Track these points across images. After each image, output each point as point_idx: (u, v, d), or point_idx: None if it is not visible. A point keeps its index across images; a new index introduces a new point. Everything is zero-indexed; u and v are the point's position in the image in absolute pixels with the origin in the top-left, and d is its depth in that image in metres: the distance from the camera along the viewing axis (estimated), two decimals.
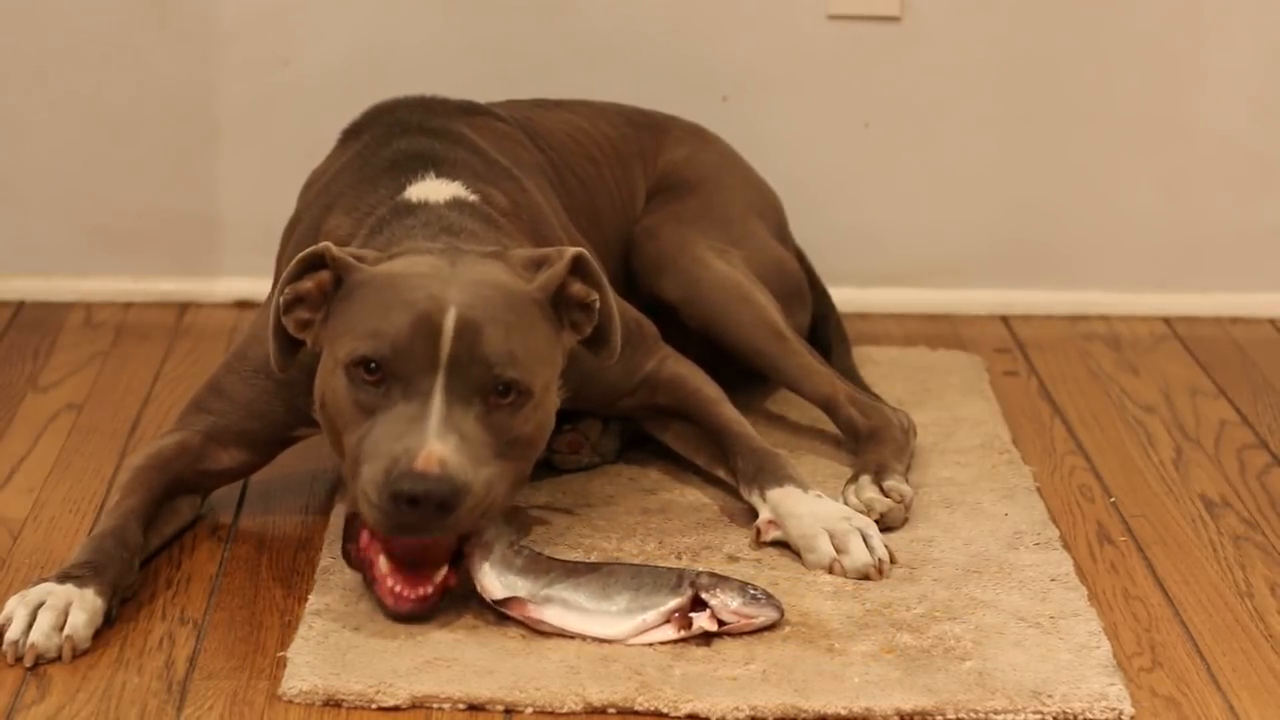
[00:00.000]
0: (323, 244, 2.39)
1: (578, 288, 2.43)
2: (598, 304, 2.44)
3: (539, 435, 2.41)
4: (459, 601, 2.38)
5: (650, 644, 2.31)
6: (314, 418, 2.55)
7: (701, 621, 2.32)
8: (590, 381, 2.64)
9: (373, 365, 2.32)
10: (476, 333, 2.32)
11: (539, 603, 2.33)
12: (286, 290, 2.39)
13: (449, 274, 2.36)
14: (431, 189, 2.59)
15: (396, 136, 2.70)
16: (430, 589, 2.34)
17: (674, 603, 2.32)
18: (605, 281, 2.45)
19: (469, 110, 2.85)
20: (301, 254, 2.39)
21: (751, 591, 2.34)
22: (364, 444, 2.32)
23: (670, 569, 2.38)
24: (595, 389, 2.67)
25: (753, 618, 2.33)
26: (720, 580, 2.35)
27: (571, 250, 2.43)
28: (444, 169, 2.62)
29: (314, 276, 2.39)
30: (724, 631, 2.33)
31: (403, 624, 2.34)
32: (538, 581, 2.34)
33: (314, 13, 3.40)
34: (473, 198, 2.59)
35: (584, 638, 2.32)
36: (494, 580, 2.34)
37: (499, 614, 2.35)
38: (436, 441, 2.28)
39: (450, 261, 2.39)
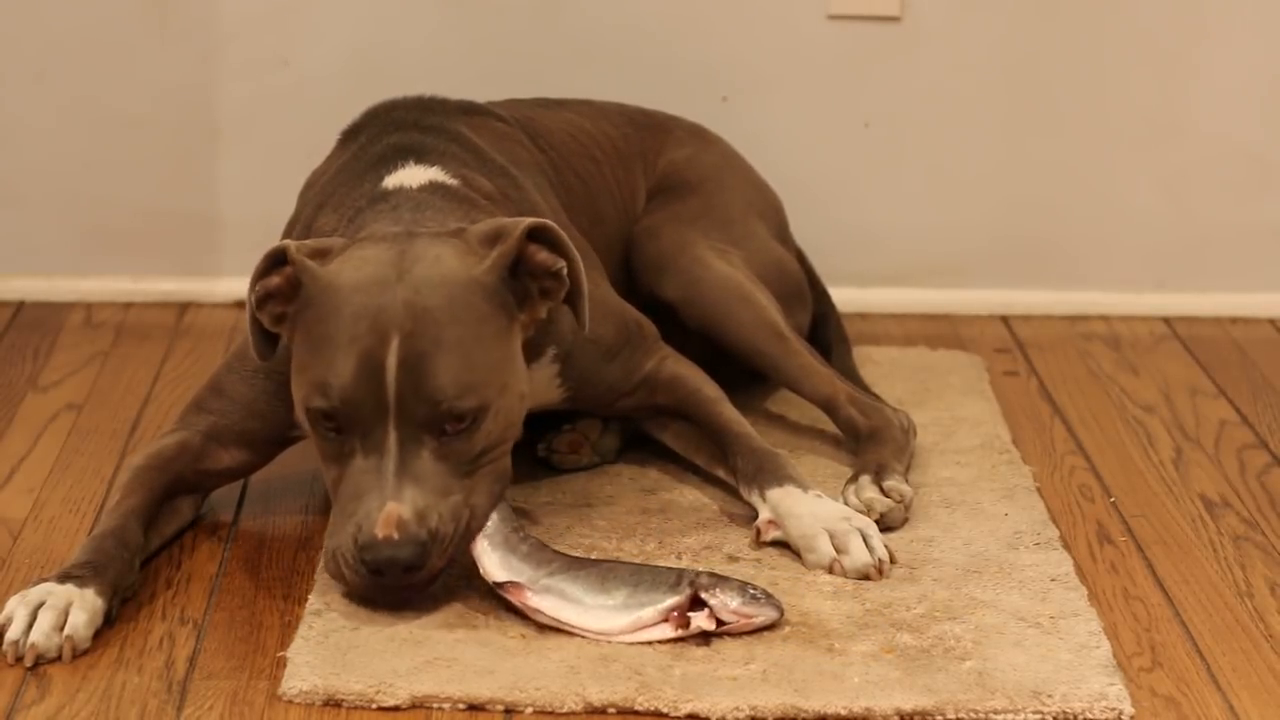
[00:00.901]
0: (283, 243, 2.41)
1: (543, 256, 2.41)
2: (565, 271, 2.42)
3: (508, 432, 2.41)
4: (459, 601, 2.39)
5: (649, 643, 2.31)
6: None
7: (700, 621, 2.32)
8: (589, 381, 2.64)
9: (327, 416, 2.34)
10: (420, 368, 2.32)
11: (537, 591, 2.33)
12: (257, 287, 2.40)
13: (393, 278, 2.35)
14: (408, 175, 2.60)
15: (389, 133, 2.71)
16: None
17: (672, 601, 2.32)
18: (572, 248, 2.42)
19: (468, 110, 2.86)
20: (267, 252, 2.40)
21: (751, 591, 2.34)
22: (338, 493, 2.36)
23: (670, 568, 2.38)
24: (594, 389, 2.67)
25: (752, 617, 2.33)
26: (720, 580, 2.35)
27: (526, 220, 2.41)
28: (426, 158, 2.63)
29: (280, 272, 2.40)
30: (723, 631, 2.33)
31: (410, 616, 2.34)
32: (538, 570, 2.35)
33: (314, 13, 3.40)
34: (452, 182, 2.59)
35: (579, 631, 2.32)
36: (495, 562, 2.34)
37: (498, 612, 2.35)
38: (392, 502, 2.30)
39: (399, 254, 2.37)
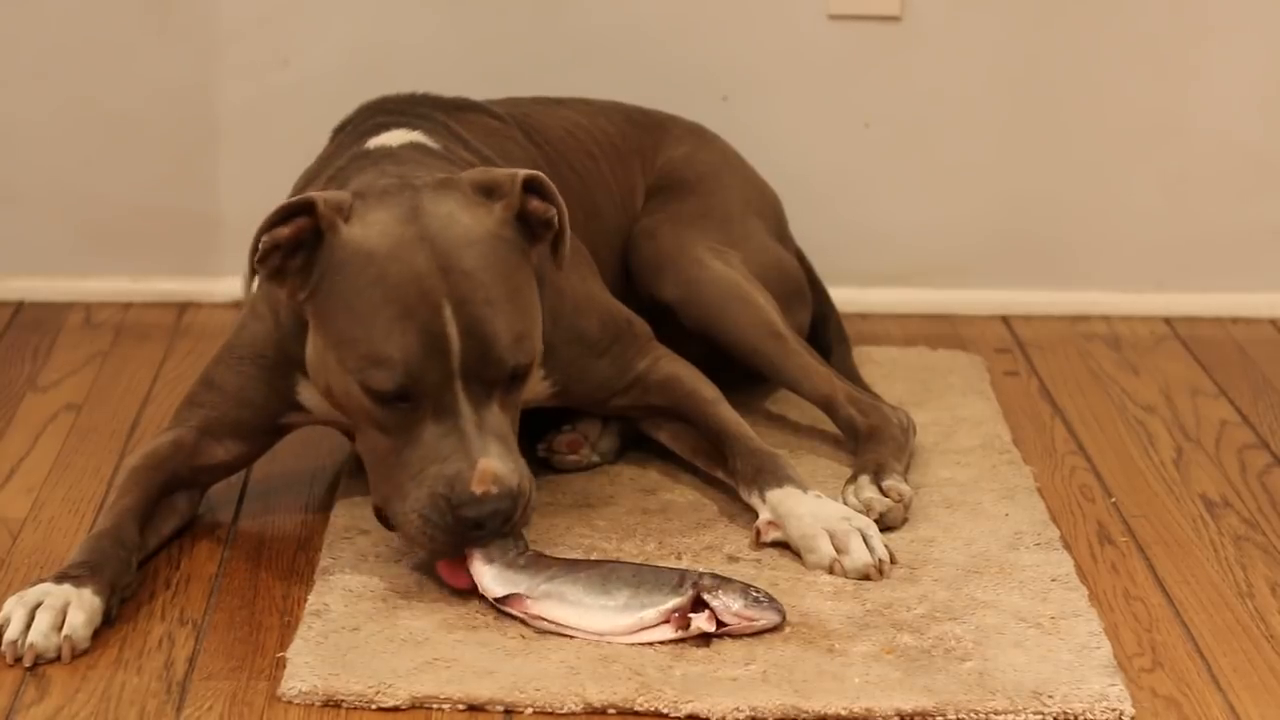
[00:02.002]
0: (312, 193, 2.39)
1: (536, 204, 2.45)
2: (554, 218, 2.46)
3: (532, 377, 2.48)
4: (459, 602, 2.38)
5: (648, 644, 2.31)
6: (301, 403, 2.57)
7: (700, 622, 2.31)
8: (577, 378, 2.65)
9: (394, 393, 2.35)
10: (481, 332, 2.35)
11: (537, 597, 2.33)
12: (264, 238, 2.38)
13: (415, 238, 2.35)
14: (390, 137, 2.63)
15: (375, 118, 2.74)
16: None
17: (674, 602, 2.32)
18: (559, 197, 2.46)
19: (461, 106, 2.86)
20: (285, 202, 2.39)
21: (754, 594, 2.34)
22: (402, 459, 2.36)
23: (673, 569, 2.38)
24: (584, 385, 2.67)
25: (754, 620, 2.33)
26: (723, 582, 2.35)
27: (522, 172, 2.44)
28: (410, 126, 2.66)
29: (292, 223, 2.38)
30: (724, 633, 2.33)
31: (410, 616, 2.35)
32: (536, 577, 2.35)
33: (314, 13, 3.40)
34: (434, 145, 2.62)
35: (580, 634, 2.32)
36: (493, 577, 2.35)
37: (499, 613, 2.35)
38: (482, 459, 2.33)
39: (410, 211, 2.38)
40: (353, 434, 2.71)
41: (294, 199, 2.39)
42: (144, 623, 2.38)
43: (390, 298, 2.34)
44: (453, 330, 2.34)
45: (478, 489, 2.32)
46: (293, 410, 2.60)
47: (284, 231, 2.38)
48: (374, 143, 2.62)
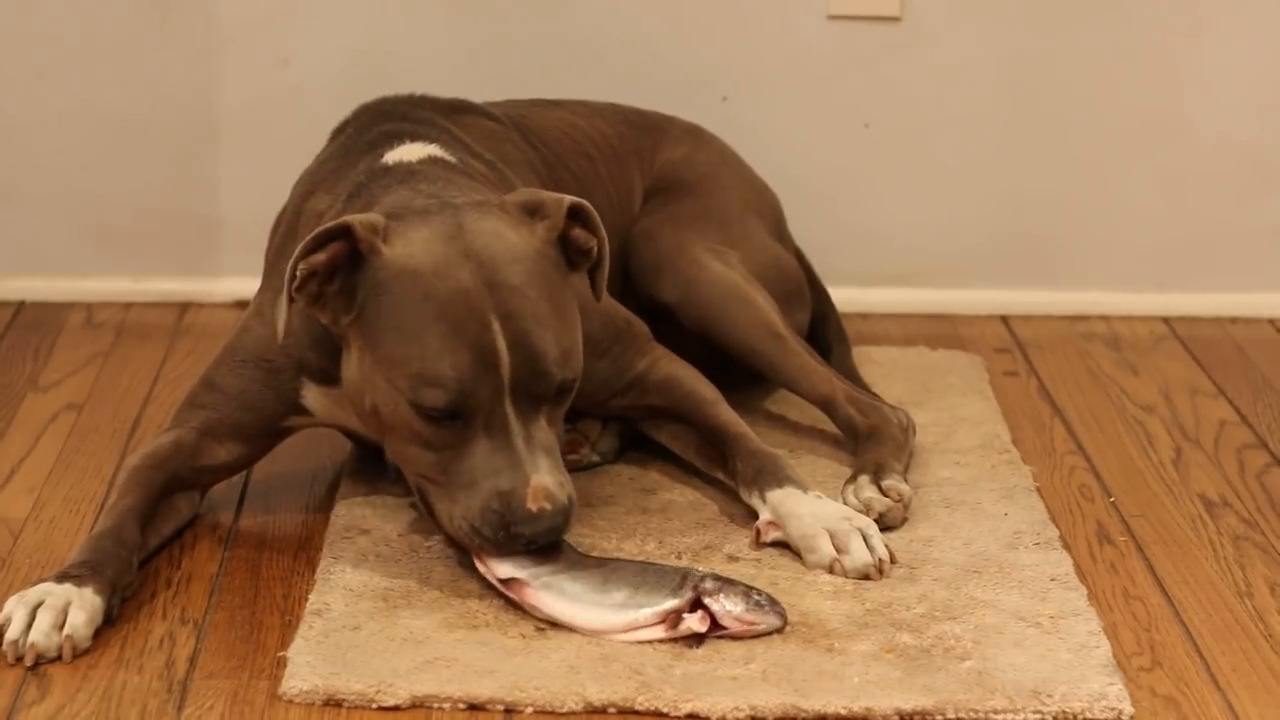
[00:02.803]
0: (347, 218, 2.37)
1: (578, 233, 2.46)
2: (594, 251, 2.47)
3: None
4: (460, 601, 2.39)
5: (648, 642, 2.31)
6: (305, 406, 2.57)
7: (691, 623, 2.31)
8: (581, 378, 2.64)
9: (446, 410, 2.35)
10: (529, 348, 2.35)
11: (538, 587, 2.34)
12: (301, 266, 2.36)
13: (461, 256, 2.35)
14: (407, 151, 2.61)
15: (379, 123, 2.73)
16: None
17: (671, 604, 2.32)
18: (602, 227, 2.47)
19: (458, 108, 2.86)
20: (320, 229, 2.37)
21: (756, 597, 2.34)
22: (452, 470, 2.37)
23: (676, 570, 2.38)
24: (586, 385, 2.67)
25: (755, 625, 2.33)
26: (725, 585, 2.34)
27: (568, 199, 2.44)
28: (420, 138, 2.65)
29: (328, 248, 2.37)
30: (720, 635, 2.32)
31: (410, 616, 2.35)
32: (542, 566, 2.35)
33: (314, 13, 3.41)
34: (451, 158, 2.61)
35: (574, 627, 2.32)
36: (501, 561, 2.35)
37: (498, 612, 2.35)
38: (535, 476, 2.35)
39: (454, 228, 2.38)
40: (355, 436, 2.71)
41: (329, 224, 2.37)
42: (145, 622, 2.38)
43: (439, 315, 2.34)
44: (502, 346, 2.34)
45: (533, 506, 2.33)
46: (296, 414, 2.59)
47: (320, 258, 2.37)
48: (392, 158, 2.59)
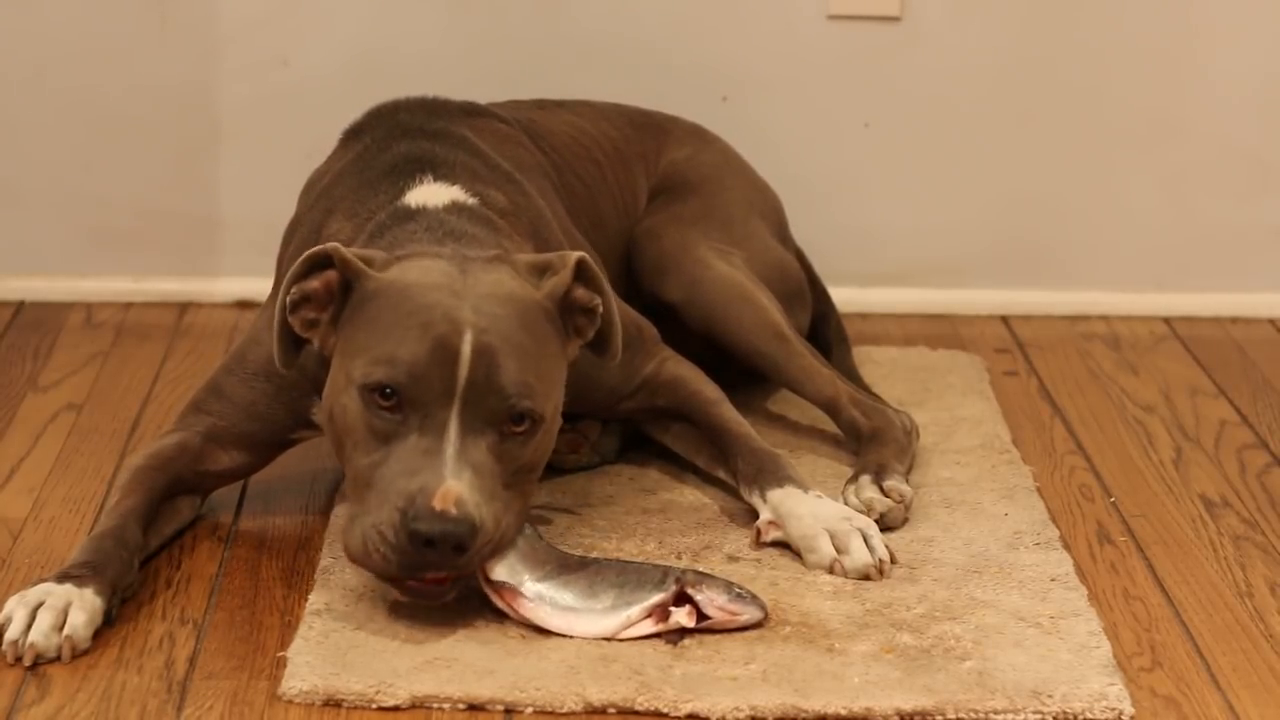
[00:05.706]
0: (330, 244, 2.38)
1: (580, 293, 2.43)
2: (600, 309, 2.44)
3: (543, 460, 2.41)
4: (459, 601, 2.38)
5: (643, 637, 2.31)
6: (314, 421, 2.56)
7: (679, 616, 2.32)
8: (590, 385, 2.64)
9: (388, 391, 2.30)
10: (493, 360, 2.31)
11: (530, 597, 2.33)
12: (293, 290, 2.37)
13: (461, 286, 2.34)
14: (430, 193, 2.57)
15: (397, 139, 2.69)
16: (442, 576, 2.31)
17: (657, 598, 2.33)
18: (607, 285, 2.44)
19: (470, 112, 2.85)
20: (308, 253, 2.37)
21: (737, 590, 2.35)
22: (377, 475, 2.30)
23: (657, 566, 2.38)
24: (596, 393, 2.67)
25: (738, 615, 2.34)
26: (705, 578, 2.35)
27: (574, 255, 2.42)
28: (441, 172, 2.61)
29: (320, 276, 2.38)
30: (704, 629, 2.33)
31: (410, 616, 2.34)
32: (533, 573, 2.34)
33: (314, 13, 3.41)
34: (471, 200, 2.57)
35: (573, 636, 2.32)
36: (494, 561, 2.34)
37: (498, 612, 2.35)
38: (452, 479, 2.27)
39: (460, 269, 2.37)
40: None
41: (314, 250, 2.37)
42: (145, 622, 2.38)
43: (412, 314, 2.32)
44: (466, 350, 2.30)
45: (438, 504, 2.25)
46: (304, 427, 2.59)
47: (314, 285, 2.37)
48: (415, 200, 2.55)
